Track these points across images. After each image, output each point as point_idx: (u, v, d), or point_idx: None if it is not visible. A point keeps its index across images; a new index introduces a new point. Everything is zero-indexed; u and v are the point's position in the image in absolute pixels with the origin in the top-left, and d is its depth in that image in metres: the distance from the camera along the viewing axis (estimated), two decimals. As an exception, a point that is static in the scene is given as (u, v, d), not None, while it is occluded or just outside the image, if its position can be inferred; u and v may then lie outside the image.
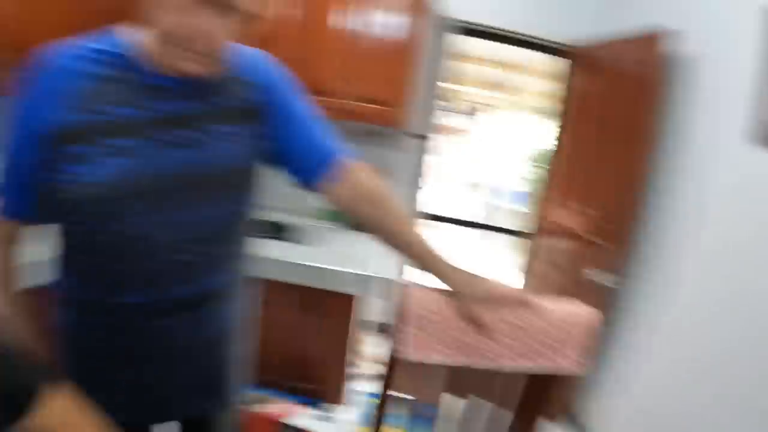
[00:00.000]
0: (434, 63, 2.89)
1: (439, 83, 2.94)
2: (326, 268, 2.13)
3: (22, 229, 1.00)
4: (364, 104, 2.49)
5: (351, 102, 2.49)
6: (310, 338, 2.30)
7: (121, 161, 0.87)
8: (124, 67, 0.89)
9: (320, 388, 2.39)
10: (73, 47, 0.89)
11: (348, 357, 2.34)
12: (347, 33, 2.45)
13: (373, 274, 2.13)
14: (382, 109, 2.49)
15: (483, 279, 1.02)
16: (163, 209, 0.91)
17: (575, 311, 1.11)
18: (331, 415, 2.33)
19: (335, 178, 1.06)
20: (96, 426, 0.68)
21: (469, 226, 3.93)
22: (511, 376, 1.14)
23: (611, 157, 2.42)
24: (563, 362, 1.11)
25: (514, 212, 5.14)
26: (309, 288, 2.15)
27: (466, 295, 1.00)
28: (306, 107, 1.09)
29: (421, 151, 2.98)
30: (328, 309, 2.22)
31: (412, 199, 3.01)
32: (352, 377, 2.51)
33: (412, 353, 1.06)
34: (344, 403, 2.41)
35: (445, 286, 1.02)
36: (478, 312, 1.01)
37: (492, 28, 2.87)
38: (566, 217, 2.75)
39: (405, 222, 1.06)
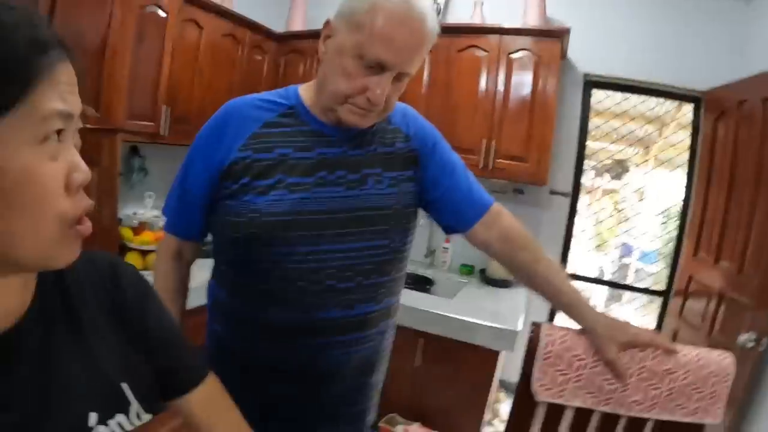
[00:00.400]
0: (573, 119, 2.88)
1: (581, 140, 2.92)
2: (473, 322, 2.17)
3: (189, 247, 1.17)
4: (507, 161, 2.55)
5: (495, 160, 2.56)
6: (449, 389, 2.30)
7: (295, 196, 1.01)
8: (294, 116, 1.05)
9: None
10: (253, 98, 1.08)
11: (484, 412, 2.29)
12: (489, 93, 2.57)
13: (517, 329, 2.11)
14: (525, 165, 2.53)
15: (626, 323, 1.01)
16: (325, 240, 1.02)
17: (718, 360, 1.03)
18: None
19: (484, 224, 1.14)
20: (238, 412, 0.77)
21: (601, 284, 3.77)
22: (634, 426, 1.05)
23: (747, 205, 2.19)
24: (703, 415, 1.03)
25: (647, 271, 4.76)
26: (454, 340, 2.20)
27: (608, 337, 0.99)
28: (454, 156, 1.19)
29: (566, 209, 2.91)
30: (470, 362, 2.22)
31: (558, 256, 2.93)
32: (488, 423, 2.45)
33: (544, 393, 1.03)
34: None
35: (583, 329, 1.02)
36: (618, 355, 0.98)
37: (623, 79, 2.82)
38: (703, 274, 2.51)
39: (549, 263, 1.11)
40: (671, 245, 2.92)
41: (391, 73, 0.94)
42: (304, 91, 1.08)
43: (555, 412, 1.06)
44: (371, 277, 1.08)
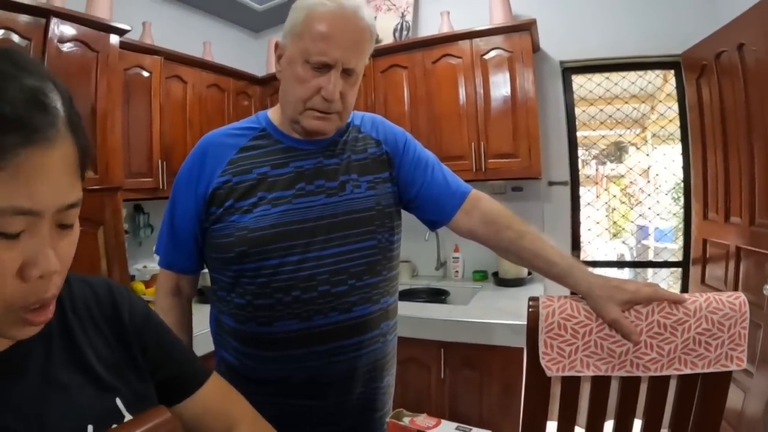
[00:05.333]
0: (558, 109, 2.91)
1: (570, 128, 2.94)
2: (490, 323, 2.17)
3: (186, 281, 1.19)
4: (499, 160, 2.58)
5: (487, 161, 2.59)
6: (481, 395, 2.28)
7: (278, 210, 1.05)
8: (267, 137, 1.12)
9: None
10: (226, 129, 1.14)
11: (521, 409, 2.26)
12: (470, 97, 2.64)
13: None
14: (517, 161, 2.56)
15: (624, 280, 1.00)
16: (314, 247, 1.06)
17: (729, 301, 0.99)
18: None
19: (464, 211, 1.18)
20: (246, 402, 0.80)
21: (621, 266, 3.77)
22: (657, 387, 1.02)
23: (745, 156, 2.18)
24: (726, 362, 0.99)
25: (667, 249, 4.69)
26: (474, 345, 2.19)
27: (606, 297, 0.98)
28: (426, 153, 1.23)
29: (567, 198, 2.92)
30: (496, 364, 2.20)
31: (568, 246, 2.92)
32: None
33: (554, 367, 1.01)
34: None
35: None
36: (621, 314, 0.97)
37: (599, 59, 2.85)
38: (716, 235, 2.49)
39: (534, 236, 1.11)
40: (683, 219, 2.89)
41: (337, 70, 1.02)
42: (273, 113, 1.15)
43: (571, 386, 1.04)
44: (363, 279, 1.10)
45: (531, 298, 1.04)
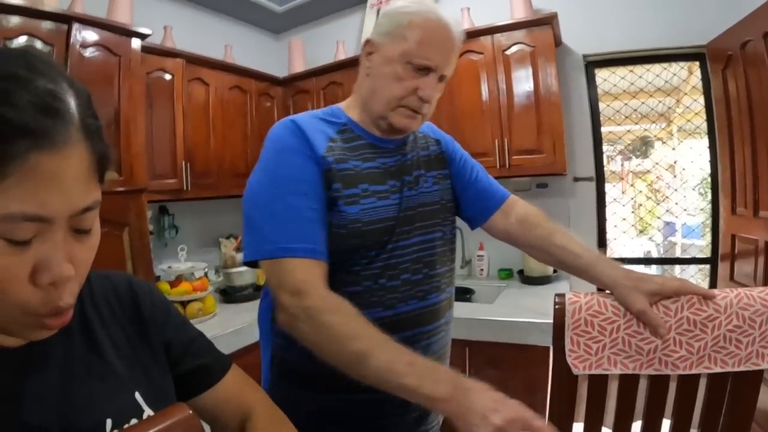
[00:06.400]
0: (582, 104, 2.86)
1: (594, 123, 2.88)
2: (515, 321, 2.15)
3: (326, 269, 1.01)
4: (523, 156, 2.56)
5: (511, 157, 2.57)
6: (506, 393, 2.25)
7: (383, 203, 1.09)
8: (349, 131, 1.13)
9: None
10: (310, 115, 1.12)
11: (547, 410, 2.23)
12: (493, 94, 2.61)
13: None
14: (541, 157, 2.52)
15: (650, 275, 0.98)
16: (401, 237, 1.09)
17: (761, 296, 0.96)
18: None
19: (502, 212, 1.25)
20: (262, 391, 0.81)
21: (648, 263, 3.65)
22: (686, 386, 1.00)
23: None
24: (757, 360, 0.96)
25: (690, 245, 4.58)
26: (500, 344, 2.17)
27: (632, 288, 0.97)
28: (470, 157, 1.31)
29: (593, 194, 2.87)
30: (522, 363, 2.17)
31: (594, 242, 2.87)
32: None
33: (580, 365, 0.99)
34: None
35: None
36: (646, 309, 0.95)
37: (622, 52, 2.79)
38: (745, 230, 2.42)
39: (563, 233, 1.16)
40: (710, 214, 2.82)
41: (436, 74, 1.07)
42: (348, 110, 1.17)
43: (599, 385, 1.02)
44: (435, 268, 1.15)
45: (557, 295, 1.03)
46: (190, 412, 0.54)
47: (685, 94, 3.24)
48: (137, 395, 0.60)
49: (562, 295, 1.02)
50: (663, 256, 4.85)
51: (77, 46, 1.93)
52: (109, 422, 0.55)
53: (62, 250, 0.47)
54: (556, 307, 1.01)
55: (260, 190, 1.03)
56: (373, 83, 1.11)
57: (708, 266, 2.86)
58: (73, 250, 0.48)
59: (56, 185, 0.44)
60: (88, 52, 1.97)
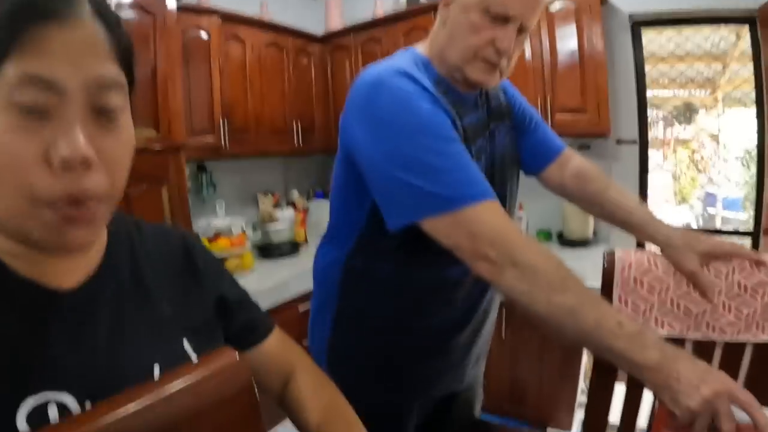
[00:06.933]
0: (627, 64, 2.74)
1: (639, 85, 2.76)
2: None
3: None
4: (567, 114, 2.50)
5: (555, 114, 2.50)
6: (541, 359, 2.25)
7: (482, 159, 1.05)
8: (442, 86, 1.03)
9: (547, 413, 2.30)
10: (407, 65, 1.00)
11: (578, 377, 2.23)
12: (536, 52, 2.53)
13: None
14: (585, 116, 2.45)
15: (705, 236, 0.95)
16: (500, 189, 1.06)
17: None
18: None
19: (558, 165, 1.22)
20: (304, 353, 0.82)
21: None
22: (732, 355, 0.96)
23: None
24: None
25: (734, 219, 4.42)
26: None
27: (685, 246, 0.95)
28: (529, 107, 1.25)
29: (637, 162, 2.78)
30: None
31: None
32: (581, 403, 2.37)
33: None
34: (573, 429, 2.30)
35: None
36: (698, 269, 0.92)
37: (669, 12, 2.63)
38: None
39: (618, 188, 1.14)
40: (755, 187, 2.71)
41: (515, 25, 0.96)
42: (435, 62, 1.06)
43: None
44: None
45: (607, 251, 1.01)
46: (237, 357, 0.54)
47: (734, 58, 3.09)
48: (185, 343, 0.60)
49: (611, 252, 1.00)
50: (703, 228, 4.72)
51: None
52: (156, 367, 0.55)
53: (79, 128, 0.44)
54: (606, 263, 1.00)
55: (394, 147, 0.91)
56: (449, 33, 1.01)
57: (749, 240, 2.77)
58: (96, 136, 0.46)
59: (65, 53, 0.43)
60: (123, 13, 1.97)
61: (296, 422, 0.76)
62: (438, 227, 0.88)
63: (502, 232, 0.86)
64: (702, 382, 0.69)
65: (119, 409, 0.47)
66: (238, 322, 0.72)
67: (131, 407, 0.47)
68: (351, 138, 0.97)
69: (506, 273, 0.83)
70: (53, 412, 0.47)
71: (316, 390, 0.77)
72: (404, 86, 0.93)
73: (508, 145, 1.15)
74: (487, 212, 0.87)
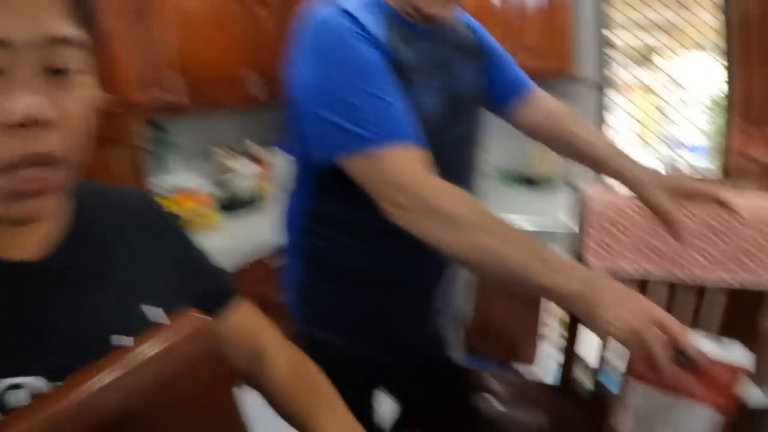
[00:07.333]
0: (590, 7, 2.73)
1: (604, 31, 2.77)
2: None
3: None
4: (528, 55, 2.45)
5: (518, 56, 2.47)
6: (500, 299, 2.29)
7: (431, 95, 1.01)
8: (392, 18, 0.98)
9: (511, 348, 2.37)
10: (349, 11, 0.94)
11: (540, 316, 2.28)
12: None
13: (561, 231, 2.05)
14: (547, 58, 2.45)
15: (674, 175, 0.95)
16: (453, 127, 1.06)
17: None
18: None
19: (527, 104, 1.20)
20: (274, 328, 0.79)
21: None
22: (707, 296, 0.98)
23: None
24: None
25: (694, 165, 4.55)
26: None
27: (656, 184, 0.94)
28: (495, 42, 1.21)
29: (599, 104, 2.80)
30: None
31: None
32: (543, 337, 2.44)
33: (598, 263, 0.98)
34: (536, 363, 2.37)
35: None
36: (669, 206, 0.92)
37: None
38: (756, 150, 2.34)
39: (588, 127, 1.14)
40: (720, 133, 2.75)
41: None
42: None
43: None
44: (476, 156, 1.15)
45: (578, 191, 1.00)
46: (205, 319, 0.52)
47: (701, 6, 3.08)
48: (147, 308, 0.58)
49: (584, 189, 0.99)
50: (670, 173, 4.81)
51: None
52: (116, 337, 0.53)
53: (32, 85, 0.41)
54: (577, 201, 0.99)
55: (327, 82, 0.90)
56: None
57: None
58: (51, 94, 0.43)
59: (17, 10, 0.40)
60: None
61: (267, 397, 0.74)
62: (353, 167, 0.88)
63: (414, 177, 0.85)
64: (627, 311, 0.69)
65: (84, 385, 0.43)
66: (198, 289, 0.69)
67: (96, 382, 0.44)
68: (290, 75, 0.96)
69: (420, 220, 0.83)
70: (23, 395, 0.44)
71: (291, 368, 0.75)
72: (342, 24, 0.91)
73: (473, 82, 1.12)
74: (402, 157, 0.86)
